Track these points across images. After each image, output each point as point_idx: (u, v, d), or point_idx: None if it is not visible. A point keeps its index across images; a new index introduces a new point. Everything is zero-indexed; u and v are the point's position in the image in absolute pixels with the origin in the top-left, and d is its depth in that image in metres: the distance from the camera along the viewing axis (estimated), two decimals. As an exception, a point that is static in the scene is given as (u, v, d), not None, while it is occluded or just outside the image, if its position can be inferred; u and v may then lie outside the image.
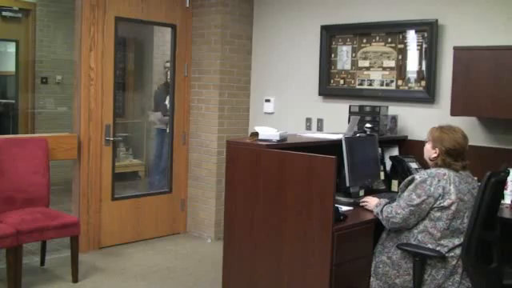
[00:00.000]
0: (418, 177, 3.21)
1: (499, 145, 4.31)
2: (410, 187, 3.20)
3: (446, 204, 3.09)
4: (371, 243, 3.41)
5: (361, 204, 3.68)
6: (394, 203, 3.28)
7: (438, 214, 3.11)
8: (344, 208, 3.56)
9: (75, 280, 4.43)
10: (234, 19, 5.80)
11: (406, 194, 3.21)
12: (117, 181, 5.63)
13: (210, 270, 4.81)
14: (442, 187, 3.11)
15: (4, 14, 7.98)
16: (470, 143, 4.16)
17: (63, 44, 8.03)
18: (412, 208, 3.14)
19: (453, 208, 3.09)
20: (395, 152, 4.62)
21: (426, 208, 3.13)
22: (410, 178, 3.28)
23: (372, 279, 3.32)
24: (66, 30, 7.45)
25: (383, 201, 3.42)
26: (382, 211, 3.30)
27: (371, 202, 3.57)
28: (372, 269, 3.34)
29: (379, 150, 4.37)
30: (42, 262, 4.77)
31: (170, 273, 4.77)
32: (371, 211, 3.48)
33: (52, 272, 4.67)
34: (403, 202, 3.19)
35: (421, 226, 3.16)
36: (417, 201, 3.13)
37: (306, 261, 3.22)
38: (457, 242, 3.11)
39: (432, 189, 3.12)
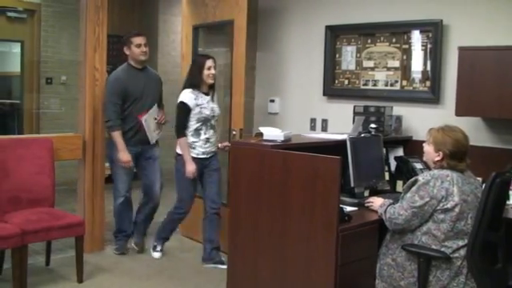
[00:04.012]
0: (420, 178, 3.20)
1: (504, 145, 4.31)
2: (413, 189, 3.19)
3: (449, 206, 3.08)
4: (376, 244, 3.41)
5: (366, 205, 3.67)
6: (397, 204, 3.27)
7: (441, 216, 3.10)
8: (349, 208, 3.55)
9: (80, 280, 4.44)
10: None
11: (408, 195, 3.20)
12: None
13: (215, 271, 4.81)
14: (445, 189, 3.10)
15: (9, 14, 8.00)
16: (475, 143, 4.17)
17: (68, 44, 8.05)
18: (414, 210, 3.13)
19: (456, 210, 3.08)
20: (400, 152, 4.62)
21: (429, 210, 3.12)
22: (413, 179, 3.27)
23: (377, 281, 3.31)
24: (71, 30, 7.48)
25: (387, 201, 3.41)
26: (385, 212, 3.30)
27: (376, 202, 3.57)
28: (377, 271, 3.33)
29: (384, 150, 4.37)
30: (47, 262, 4.78)
31: (176, 273, 4.77)
32: (376, 211, 3.47)
33: (57, 272, 4.68)
34: (406, 203, 3.18)
35: (424, 228, 3.15)
36: (419, 202, 3.12)
37: (311, 261, 3.22)
38: (461, 243, 3.10)
39: (435, 190, 3.11)
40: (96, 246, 5.21)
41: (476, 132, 4.34)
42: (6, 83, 9.59)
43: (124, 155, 4.90)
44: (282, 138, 3.62)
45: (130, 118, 4.96)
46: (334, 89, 5.35)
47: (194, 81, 4.79)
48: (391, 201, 3.41)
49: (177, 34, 7.06)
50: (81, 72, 5.15)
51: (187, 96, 4.72)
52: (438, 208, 3.10)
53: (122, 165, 4.92)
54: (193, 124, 4.74)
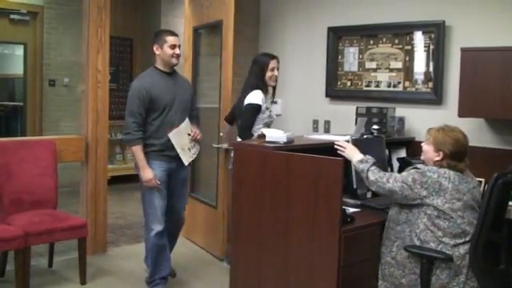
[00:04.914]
0: (420, 167, 3.22)
1: (507, 146, 4.30)
2: (411, 171, 3.21)
3: (439, 202, 3.08)
4: (378, 245, 3.40)
5: (335, 147, 3.59)
6: (388, 173, 3.28)
7: (435, 213, 3.09)
8: (351, 210, 3.55)
9: (83, 282, 4.45)
10: (240, 21, 5.79)
11: (404, 173, 3.22)
12: (124, 183, 5.66)
13: (217, 272, 4.81)
14: (438, 183, 3.11)
15: (12, 16, 8.03)
16: (478, 144, 4.18)
17: (71, 46, 8.07)
18: (404, 185, 3.13)
19: (452, 207, 3.08)
20: (403, 153, 4.62)
21: (416, 194, 3.11)
22: (412, 166, 3.28)
23: (380, 282, 3.31)
24: (74, 32, 7.49)
25: (370, 159, 3.39)
26: (368, 170, 3.30)
27: (349, 150, 3.53)
28: (379, 271, 3.33)
29: (386, 151, 4.36)
30: (50, 264, 4.79)
31: (178, 275, 4.77)
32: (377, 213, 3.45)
33: (60, 274, 4.68)
34: (399, 176, 3.19)
35: (421, 225, 3.14)
36: (410, 183, 3.12)
37: (314, 262, 3.22)
38: (459, 241, 3.10)
39: (429, 181, 3.11)
40: (99, 247, 5.21)
41: (479, 133, 4.34)
42: (8, 85, 9.63)
43: (147, 172, 4.15)
44: (285, 140, 3.62)
45: (162, 131, 4.21)
46: (336, 90, 5.35)
47: (260, 82, 4.44)
48: (373, 159, 3.40)
49: (179, 36, 7.05)
50: (83, 74, 5.16)
51: (260, 97, 4.38)
52: (429, 202, 3.09)
53: (146, 185, 4.19)
54: (260, 127, 4.34)
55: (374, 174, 3.29)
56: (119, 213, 6.84)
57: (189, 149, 4.33)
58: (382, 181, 3.22)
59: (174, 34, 4.36)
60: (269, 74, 4.44)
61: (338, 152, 3.55)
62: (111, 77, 5.73)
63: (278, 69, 4.50)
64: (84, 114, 5.14)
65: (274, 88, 4.61)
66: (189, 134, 4.32)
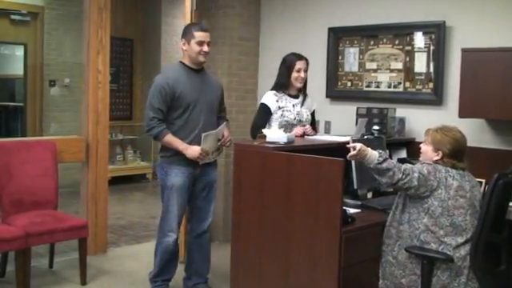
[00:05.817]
0: (430, 162, 3.23)
1: (508, 147, 4.30)
2: (424, 164, 3.21)
3: (445, 197, 3.09)
4: (379, 245, 3.40)
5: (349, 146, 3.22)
6: (402, 165, 3.20)
7: (439, 210, 3.10)
8: (352, 210, 3.55)
9: (83, 282, 4.45)
10: (241, 21, 5.80)
11: (418, 165, 3.22)
12: (125, 183, 5.67)
13: (218, 272, 4.80)
14: (445, 178, 3.14)
15: (13, 17, 8.04)
16: (479, 145, 4.18)
17: (71, 47, 8.07)
18: (421, 175, 3.12)
19: (453, 203, 3.09)
20: (403, 154, 4.62)
21: (428, 186, 3.11)
22: (422, 162, 3.29)
23: (380, 281, 3.31)
24: (74, 32, 7.50)
25: (383, 153, 3.23)
26: (395, 164, 3.16)
27: (364, 149, 3.20)
28: (380, 269, 3.33)
29: (387, 152, 4.36)
30: (51, 265, 4.79)
31: (179, 275, 4.77)
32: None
33: (60, 274, 4.68)
34: (415, 167, 3.17)
35: (422, 227, 3.14)
36: (426, 173, 3.12)
37: (314, 263, 3.22)
38: (460, 239, 3.10)
39: (439, 175, 3.14)
40: (99, 248, 5.21)
41: (480, 134, 4.34)
42: (9, 86, 9.64)
43: (191, 151, 3.94)
44: (285, 140, 3.62)
45: (184, 132, 4.02)
46: (336, 91, 5.35)
47: (282, 81, 4.35)
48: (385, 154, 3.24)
49: (179, 37, 7.08)
50: (84, 74, 5.16)
51: (268, 98, 4.33)
52: (436, 195, 3.10)
53: (200, 160, 4.00)
54: (275, 129, 4.15)
55: (401, 168, 3.17)
56: (120, 213, 6.84)
57: (212, 152, 4.10)
58: (406, 173, 3.15)
59: (203, 29, 4.10)
60: (294, 74, 4.31)
61: (350, 155, 3.21)
62: (112, 77, 5.73)
63: (306, 70, 4.33)
64: (84, 115, 5.14)
65: (304, 90, 4.45)
66: (219, 139, 4.12)
